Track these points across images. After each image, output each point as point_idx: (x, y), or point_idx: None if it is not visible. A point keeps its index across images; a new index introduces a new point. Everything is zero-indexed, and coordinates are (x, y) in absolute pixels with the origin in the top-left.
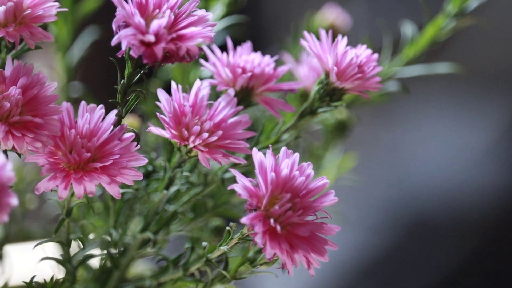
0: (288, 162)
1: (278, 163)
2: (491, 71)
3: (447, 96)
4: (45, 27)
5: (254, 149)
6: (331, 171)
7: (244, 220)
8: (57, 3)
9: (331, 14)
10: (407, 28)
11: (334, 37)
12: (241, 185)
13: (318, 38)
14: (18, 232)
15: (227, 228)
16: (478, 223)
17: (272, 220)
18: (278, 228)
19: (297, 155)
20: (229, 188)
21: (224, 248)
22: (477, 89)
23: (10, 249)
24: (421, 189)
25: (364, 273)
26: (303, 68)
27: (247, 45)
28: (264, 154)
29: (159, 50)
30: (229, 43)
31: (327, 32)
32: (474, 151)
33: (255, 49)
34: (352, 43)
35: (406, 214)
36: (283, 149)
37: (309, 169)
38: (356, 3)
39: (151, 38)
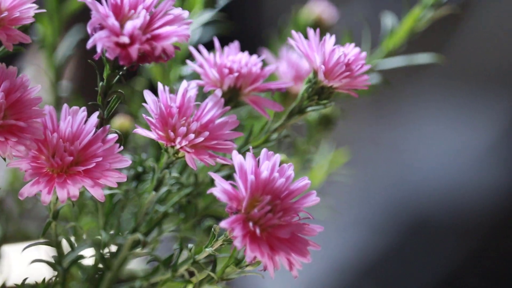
0: (268, 164)
1: (259, 164)
2: (490, 71)
3: (447, 96)
4: (25, 28)
5: (234, 152)
6: (322, 166)
7: (223, 224)
8: (35, 5)
9: (318, 8)
10: (387, 20)
11: (322, 34)
12: (220, 188)
13: (306, 34)
14: (15, 232)
15: (212, 229)
16: (478, 223)
17: (251, 223)
18: (258, 231)
19: (278, 157)
20: (208, 192)
21: (209, 250)
22: (477, 89)
23: (8, 249)
24: (421, 189)
25: (364, 273)
26: (282, 64)
27: (235, 45)
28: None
29: (134, 51)
30: (216, 43)
31: (314, 26)
32: (474, 151)
33: (252, 47)
34: (341, 37)
35: (406, 214)
36: (264, 150)
37: (289, 170)
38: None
39: (125, 39)
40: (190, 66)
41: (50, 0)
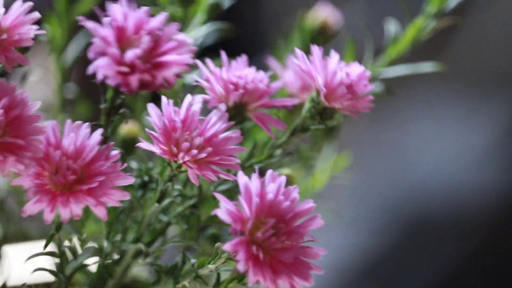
0: (273, 186)
1: (265, 185)
2: (490, 71)
3: (447, 96)
4: (25, 49)
5: (240, 173)
6: (324, 170)
7: (226, 247)
8: (35, 26)
9: (323, 12)
10: (390, 28)
11: (327, 40)
12: (225, 210)
13: (311, 39)
14: (16, 232)
15: (215, 246)
16: (478, 223)
17: (254, 247)
18: (261, 255)
19: (283, 178)
20: (212, 213)
21: (211, 266)
22: (477, 89)
23: (8, 250)
24: (421, 189)
25: (364, 273)
26: (289, 73)
27: (242, 59)
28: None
29: (134, 81)
30: (224, 57)
31: (319, 32)
32: (474, 151)
33: (254, 51)
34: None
35: (405, 214)
36: (269, 172)
37: (294, 193)
38: (354, 4)
39: (125, 70)
40: (195, 79)
41: (59, 1)
